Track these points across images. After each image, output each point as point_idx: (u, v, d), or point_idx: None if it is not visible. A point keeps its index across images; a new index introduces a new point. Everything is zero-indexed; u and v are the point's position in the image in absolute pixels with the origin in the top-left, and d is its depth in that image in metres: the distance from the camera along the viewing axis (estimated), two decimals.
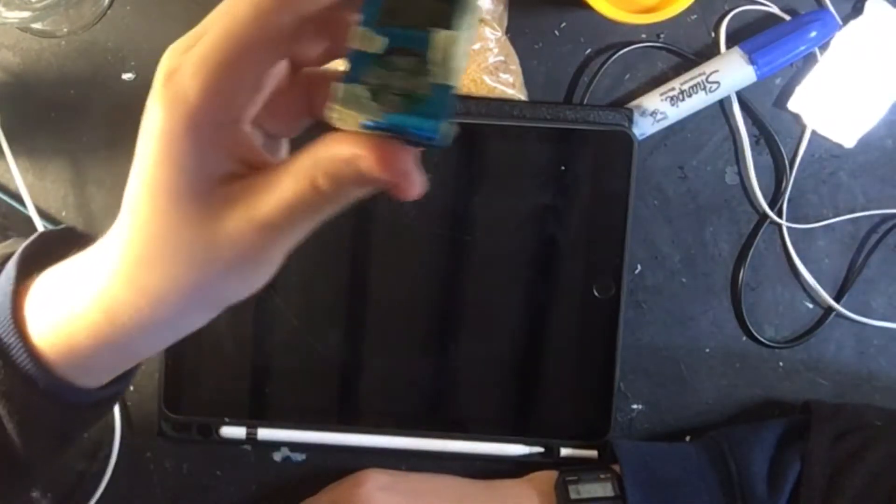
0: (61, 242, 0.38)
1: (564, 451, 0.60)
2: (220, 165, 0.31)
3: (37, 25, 0.58)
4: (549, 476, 0.58)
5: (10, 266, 0.36)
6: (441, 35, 0.28)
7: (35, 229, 0.57)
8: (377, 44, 0.29)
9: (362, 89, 0.29)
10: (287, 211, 0.30)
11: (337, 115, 0.29)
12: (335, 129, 0.29)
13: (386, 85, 0.29)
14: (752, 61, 0.58)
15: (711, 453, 0.56)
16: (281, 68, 0.32)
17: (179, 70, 0.30)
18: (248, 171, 0.32)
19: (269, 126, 0.34)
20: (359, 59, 0.29)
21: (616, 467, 0.56)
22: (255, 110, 0.32)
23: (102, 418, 0.41)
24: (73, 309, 0.34)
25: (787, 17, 0.59)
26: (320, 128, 0.31)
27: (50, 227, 0.58)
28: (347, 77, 0.29)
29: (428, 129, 0.28)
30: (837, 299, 0.61)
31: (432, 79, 0.29)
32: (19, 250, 0.37)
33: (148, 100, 0.31)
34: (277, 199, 0.30)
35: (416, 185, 0.30)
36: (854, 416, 0.56)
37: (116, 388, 0.39)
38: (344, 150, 0.29)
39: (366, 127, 0.29)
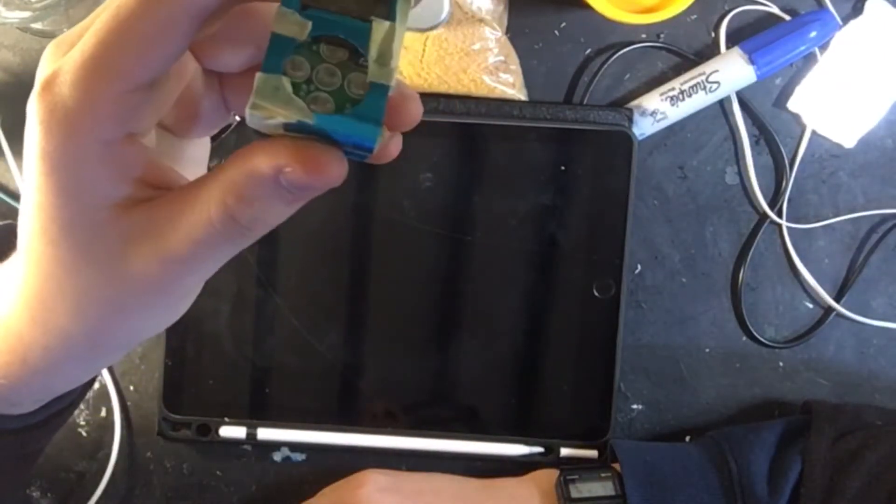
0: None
1: (564, 451, 0.60)
2: (115, 190, 0.27)
3: (37, 25, 0.58)
4: (549, 475, 0.58)
5: None
6: (383, 26, 0.25)
7: None
8: (302, 29, 0.25)
9: (285, 81, 0.24)
10: (198, 246, 0.26)
11: (259, 113, 0.24)
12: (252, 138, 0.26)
13: (311, 79, 0.25)
14: (752, 61, 0.58)
15: (712, 453, 0.56)
16: (186, 69, 0.28)
17: (58, 76, 0.25)
18: (152, 192, 0.27)
19: (176, 128, 0.30)
20: (280, 47, 0.25)
21: (617, 466, 0.56)
22: (155, 119, 0.28)
23: (48, 438, 0.38)
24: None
25: (787, 17, 0.59)
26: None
27: None
28: (267, 65, 0.24)
29: (365, 135, 0.25)
30: (837, 299, 0.61)
31: (370, 77, 0.25)
32: None
33: (27, 112, 0.27)
34: (186, 235, 0.26)
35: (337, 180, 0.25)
36: (854, 417, 0.56)
37: (49, 411, 0.36)
38: (262, 164, 0.25)
39: (288, 128, 0.25)
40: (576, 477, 0.56)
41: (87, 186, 0.26)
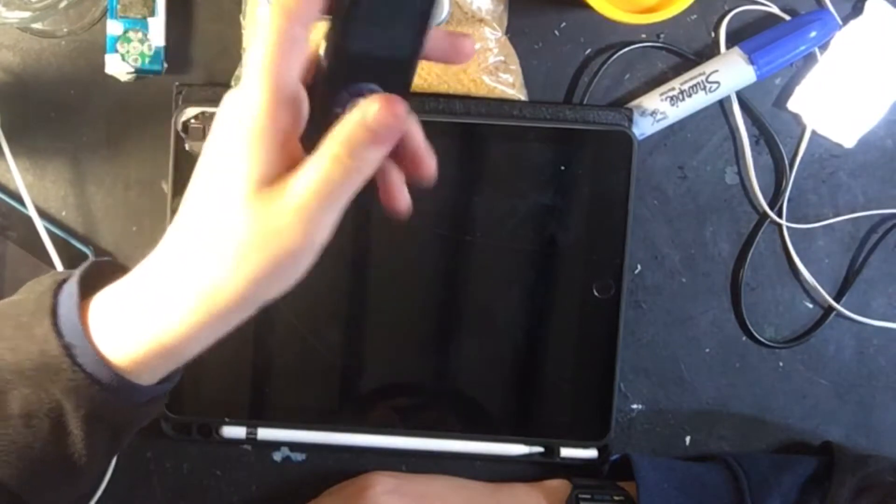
0: (112, 270, 0.42)
1: (564, 451, 0.60)
2: (280, 164, 0.37)
3: (37, 25, 0.58)
4: (559, 485, 0.58)
5: (73, 283, 0.40)
6: None
7: (35, 229, 0.57)
8: None
9: None
10: (317, 192, 0.36)
11: None
12: None
13: None
14: (752, 61, 0.58)
15: (731, 491, 0.55)
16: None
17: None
18: (289, 169, 0.37)
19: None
20: None
21: (625, 485, 0.56)
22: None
23: (148, 418, 0.44)
24: (139, 315, 0.39)
25: (787, 17, 0.59)
26: None
27: (50, 227, 0.58)
28: None
29: None
30: (837, 299, 0.61)
31: None
32: (78, 272, 0.41)
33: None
34: (307, 183, 0.36)
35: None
36: (876, 473, 0.56)
37: (163, 387, 0.42)
38: (355, 114, 0.36)
39: None
40: (588, 496, 0.56)
41: (272, 158, 0.37)
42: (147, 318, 0.39)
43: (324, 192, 0.36)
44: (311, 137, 0.38)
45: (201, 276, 0.37)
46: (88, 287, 0.41)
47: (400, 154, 0.40)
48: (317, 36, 0.38)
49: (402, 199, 0.41)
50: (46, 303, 0.40)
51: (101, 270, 0.42)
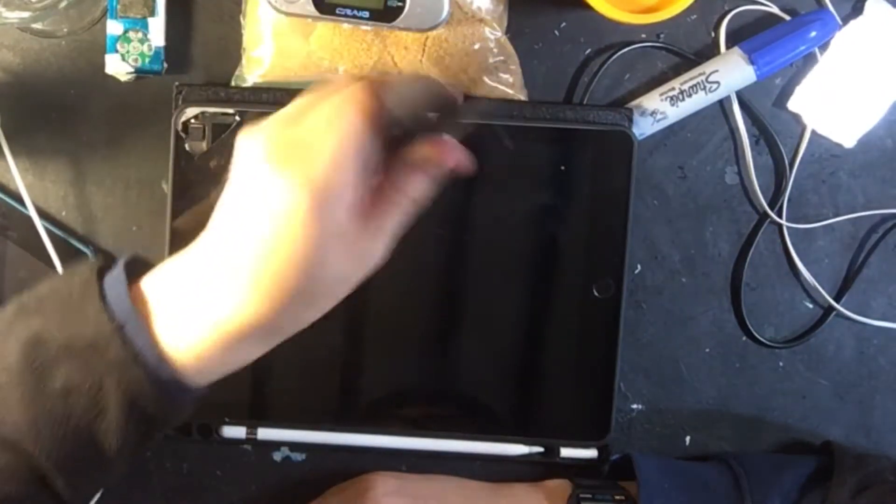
0: (146, 265, 0.43)
1: (564, 451, 0.60)
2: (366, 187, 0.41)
3: (37, 25, 0.58)
4: (560, 485, 0.58)
5: (119, 269, 0.41)
6: None
7: (35, 229, 0.57)
8: None
9: None
10: (399, 223, 0.43)
11: None
12: None
13: None
14: (751, 61, 0.58)
15: (731, 491, 0.55)
16: None
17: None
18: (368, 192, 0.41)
19: None
20: None
21: (626, 484, 0.56)
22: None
23: (177, 422, 0.44)
24: (203, 319, 0.40)
25: (787, 17, 0.59)
26: None
27: (50, 227, 0.58)
28: None
29: None
30: (837, 299, 0.61)
31: None
32: (121, 260, 0.42)
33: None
34: (394, 216, 0.43)
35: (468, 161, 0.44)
36: (876, 473, 0.56)
37: (202, 391, 0.43)
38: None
39: None
40: (590, 496, 0.56)
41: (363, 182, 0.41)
42: (210, 304, 0.40)
43: (403, 223, 0.43)
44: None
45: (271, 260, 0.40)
46: (130, 275, 0.42)
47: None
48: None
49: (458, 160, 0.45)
50: (93, 286, 0.40)
51: (138, 263, 0.43)
